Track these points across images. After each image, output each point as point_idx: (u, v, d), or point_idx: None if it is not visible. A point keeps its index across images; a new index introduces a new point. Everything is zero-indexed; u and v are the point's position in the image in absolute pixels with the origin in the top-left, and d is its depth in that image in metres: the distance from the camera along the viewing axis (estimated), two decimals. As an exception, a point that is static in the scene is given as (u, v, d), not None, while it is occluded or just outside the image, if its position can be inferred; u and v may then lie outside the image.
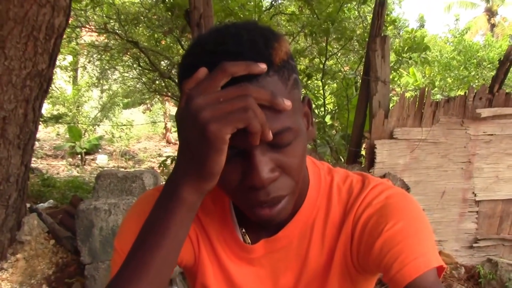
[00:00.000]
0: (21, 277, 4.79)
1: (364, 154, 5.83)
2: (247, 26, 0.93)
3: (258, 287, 1.18)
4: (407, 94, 7.15)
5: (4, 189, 4.69)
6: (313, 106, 8.37)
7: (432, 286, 0.94)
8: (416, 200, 1.11)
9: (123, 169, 11.52)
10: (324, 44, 7.75)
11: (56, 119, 13.37)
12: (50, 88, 5.79)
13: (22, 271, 4.84)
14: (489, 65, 12.70)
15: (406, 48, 7.46)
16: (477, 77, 12.03)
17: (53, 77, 5.90)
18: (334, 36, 7.96)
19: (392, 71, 7.64)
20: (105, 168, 11.87)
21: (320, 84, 8.47)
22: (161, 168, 8.45)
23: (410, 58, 7.88)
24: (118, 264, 1.04)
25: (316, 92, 8.83)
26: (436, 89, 12.10)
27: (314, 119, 1.03)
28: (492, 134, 5.40)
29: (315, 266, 1.15)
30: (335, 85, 9.32)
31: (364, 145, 5.77)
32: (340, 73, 8.32)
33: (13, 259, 4.92)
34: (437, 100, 5.43)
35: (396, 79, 9.16)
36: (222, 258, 1.18)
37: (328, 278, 1.15)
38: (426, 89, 5.42)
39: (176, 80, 11.23)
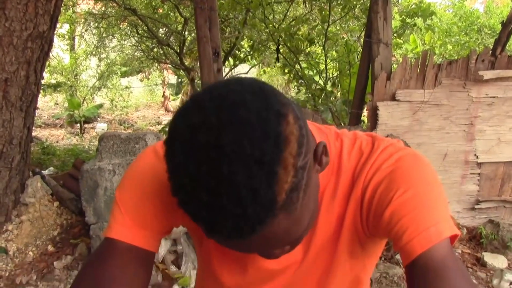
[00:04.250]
0: (26, 239, 4.82)
1: (366, 116, 5.82)
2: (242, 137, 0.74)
3: (265, 259, 1.14)
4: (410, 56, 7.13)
5: (7, 151, 4.69)
6: (315, 72, 8.42)
7: (445, 258, 0.92)
8: (428, 162, 1.06)
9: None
10: (327, 10, 7.68)
11: (54, 87, 13.31)
12: (48, 58, 5.75)
13: (27, 233, 4.86)
14: (489, 32, 12.63)
15: (411, 12, 7.38)
16: (478, 43, 11.95)
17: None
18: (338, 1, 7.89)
19: (396, 36, 7.60)
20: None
21: (321, 50, 8.44)
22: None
23: (415, 25, 7.81)
24: (117, 219, 1.08)
25: (317, 58, 8.79)
26: (436, 55, 12.03)
27: (328, 152, 0.93)
28: (494, 97, 5.40)
29: (324, 234, 1.13)
30: (334, 53, 9.29)
31: (366, 108, 5.76)
32: (342, 39, 8.28)
33: (18, 221, 4.94)
34: (440, 63, 5.40)
35: (401, 44, 9.11)
36: None
37: (337, 245, 1.13)
38: (429, 51, 5.40)
39: (174, 50, 11.26)
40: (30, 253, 4.72)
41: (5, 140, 4.63)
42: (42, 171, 5.80)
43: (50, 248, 4.80)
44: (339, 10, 8.46)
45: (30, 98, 4.79)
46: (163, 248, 4.51)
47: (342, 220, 1.11)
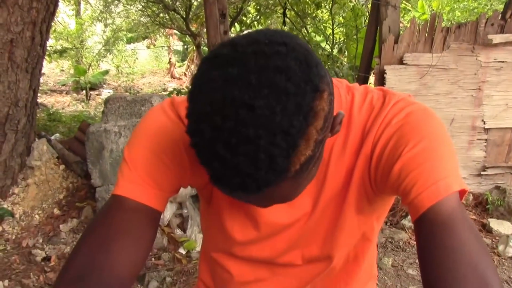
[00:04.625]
0: (32, 202, 4.85)
1: (373, 80, 5.78)
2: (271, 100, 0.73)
3: (274, 210, 1.15)
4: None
5: (13, 113, 4.68)
6: (322, 37, 8.35)
7: (453, 212, 0.92)
8: (438, 117, 1.06)
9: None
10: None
11: (60, 53, 13.28)
12: (53, 21, 5.71)
13: (33, 196, 4.89)
14: (499, -3, 12.50)
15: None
16: (487, 8, 11.80)
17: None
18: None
19: (405, 1, 7.52)
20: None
21: (328, 15, 8.37)
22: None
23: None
24: (125, 177, 1.07)
25: (325, 22, 8.72)
26: (444, 21, 11.92)
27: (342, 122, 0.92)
28: (503, 61, 5.32)
29: (333, 187, 1.14)
30: (342, 19, 9.20)
31: (373, 71, 5.72)
32: (350, 3, 8.19)
33: (24, 184, 4.96)
34: (448, 26, 5.34)
35: (409, 9, 9.02)
36: None
37: (346, 199, 1.14)
38: (437, 14, 5.33)
39: (180, 15, 11.20)
40: (36, 216, 4.74)
41: (11, 102, 4.62)
42: (49, 137, 5.81)
43: (56, 211, 4.83)
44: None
45: (36, 60, 4.77)
46: (169, 211, 4.52)
47: (351, 175, 1.12)
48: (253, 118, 0.71)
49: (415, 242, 4.45)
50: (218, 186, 0.81)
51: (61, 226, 4.61)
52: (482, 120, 5.44)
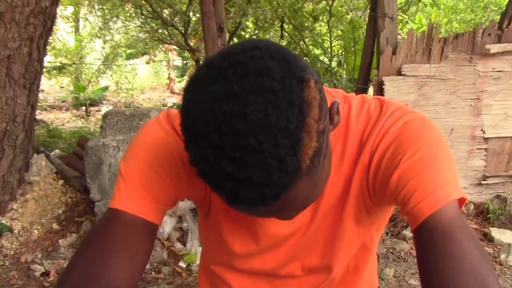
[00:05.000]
0: (31, 217, 4.83)
1: (372, 91, 5.78)
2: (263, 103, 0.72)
3: (273, 221, 1.15)
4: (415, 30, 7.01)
5: (11, 129, 4.68)
6: (320, 51, 8.37)
7: (452, 220, 0.90)
8: (436, 126, 1.05)
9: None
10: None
11: (60, 69, 13.31)
12: (52, 38, 5.72)
13: (32, 211, 4.87)
14: (496, 8, 12.53)
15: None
16: (484, 20, 11.84)
17: (54, 29, 5.81)
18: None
19: (402, 13, 7.54)
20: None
21: (326, 28, 8.39)
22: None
23: (419, 1, 7.73)
24: (121, 190, 1.06)
25: (323, 35, 8.75)
26: (442, 33, 11.98)
27: (339, 111, 0.91)
28: (501, 71, 5.32)
29: (332, 197, 1.13)
30: (340, 32, 9.23)
31: (371, 83, 5.72)
32: (347, 16, 8.23)
33: (23, 199, 4.95)
34: (446, 37, 5.34)
35: (406, 21, 9.03)
36: None
37: (344, 209, 1.13)
38: (435, 25, 5.34)
39: (178, 31, 11.26)
40: (35, 231, 4.73)
41: (8, 118, 4.62)
42: (48, 152, 5.80)
43: (55, 226, 4.81)
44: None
45: (34, 75, 4.77)
46: (169, 225, 4.51)
47: (349, 185, 1.11)
48: (248, 126, 0.71)
49: (416, 252, 4.41)
50: (237, 206, 0.80)
51: (60, 241, 4.59)
52: (482, 130, 5.43)
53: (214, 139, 0.72)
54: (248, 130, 0.70)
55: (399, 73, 5.20)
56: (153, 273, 4.24)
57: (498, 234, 4.94)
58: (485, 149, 5.51)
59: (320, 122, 0.77)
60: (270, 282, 1.31)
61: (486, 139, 5.48)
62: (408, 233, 4.96)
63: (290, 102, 0.73)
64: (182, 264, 4.37)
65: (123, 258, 1.00)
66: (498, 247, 4.80)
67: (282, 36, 8.26)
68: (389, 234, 5.02)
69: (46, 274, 4.20)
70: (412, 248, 4.76)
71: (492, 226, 5.15)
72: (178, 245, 4.56)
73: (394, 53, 5.19)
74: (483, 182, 5.55)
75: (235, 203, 0.78)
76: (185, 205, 4.45)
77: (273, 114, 0.71)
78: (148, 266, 4.18)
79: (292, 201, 0.81)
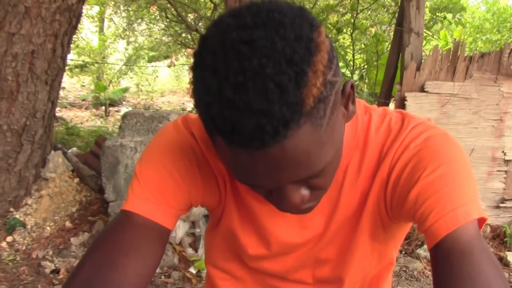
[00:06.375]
0: (44, 214, 4.84)
1: (393, 106, 5.73)
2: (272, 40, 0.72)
3: (285, 230, 1.15)
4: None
5: (30, 124, 4.69)
6: (342, 63, 8.36)
7: (471, 240, 0.88)
8: (458, 142, 1.03)
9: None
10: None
11: (81, 68, 13.40)
12: (76, 37, 5.76)
13: (46, 208, 4.88)
14: (522, 30, 12.47)
15: (442, 7, 7.28)
16: (510, 40, 11.75)
17: (79, 27, 5.84)
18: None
19: (426, 29, 7.49)
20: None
21: (350, 41, 8.37)
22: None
23: (445, 18, 7.68)
24: (135, 192, 1.06)
25: (346, 47, 8.73)
26: (467, 52, 11.93)
27: (355, 98, 0.92)
28: (525, 93, 5.27)
29: (347, 210, 1.11)
30: (363, 45, 9.20)
31: (393, 98, 5.67)
32: (371, 29, 8.20)
33: (37, 195, 4.96)
34: (471, 55, 5.29)
35: (430, 37, 9.00)
36: (250, 202, 1.14)
37: (359, 223, 1.11)
38: (461, 43, 5.29)
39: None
40: (48, 228, 4.73)
41: (28, 113, 4.63)
42: (65, 149, 5.82)
43: (68, 224, 4.80)
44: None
45: (56, 72, 4.79)
46: (181, 230, 4.49)
47: (365, 198, 1.09)
48: (254, 50, 0.71)
49: (430, 272, 4.36)
50: (233, 142, 0.76)
51: (72, 239, 4.58)
52: (503, 152, 5.36)
53: (219, 66, 0.73)
54: (253, 54, 0.71)
55: (422, 89, 5.15)
56: (163, 277, 4.22)
57: (515, 258, 4.86)
58: (505, 171, 5.43)
59: (328, 70, 0.77)
60: (281, 283, 1.29)
61: (506, 161, 5.40)
62: (422, 252, 4.90)
63: (298, 37, 0.74)
64: (192, 270, 4.34)
65: (133, 261, 0.99)
66: (514, 271, 4.73)
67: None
68: (403, 252, 4.96)
69: (56, 271, 4.19)
70: (425, 268, 4.70)
71: (508, 250, 5.08)
72: (190, 251, 4.54)
73: (418, 69, 5.14)
74: (501, 205, 5.47)
75: (233, 137, 0.75)
76: (198, 210, 4.43)
77: (280, 42, 0.72)
78: (158, 270, 4.16)
79: (291, 155, 0.77)
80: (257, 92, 0.70)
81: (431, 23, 7.58)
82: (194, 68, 0.79)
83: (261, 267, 1.26)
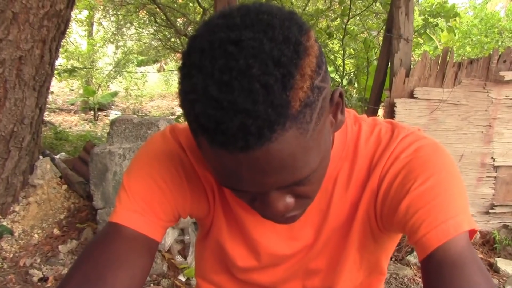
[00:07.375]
0: (32, 221, 4.80)
1: (382, 112, 5.73)
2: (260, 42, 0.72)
3: (275, 241, 1.15)
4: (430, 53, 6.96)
5: (18, 131, 4.65)
6: (332, 68, 8.36)
7: (462, 252, 0.88)
8: (448, 153, 1.03)
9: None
10: (348, 3, 7.59)
11: (70, 72, 13.36)
12: (65, 41, 5.73)
13: (34, 215, 4.84)
14: (510, 35, 12.50)
15: (435, 13, 7.29)
16: (498, 45, 11.80)
17: (68, 32, 5.82)
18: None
19: (417, 36, 7.51)
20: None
21: (339, 45, 8.38)
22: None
23: (437, 25, 7.70)
24: (123, 204, 1.05)
25: (336, 52, 8.73)
26: (455, 57, 11.97)
27: (344, 107, 0.92)
28: (514, 99, 5.28)
29: (337, 220, 1.10)
30: (352, 51, 9.21)
31: (382, 104, 5.67)
32: (362, 35, 8.21)
33: (25, 202, 4.92)
34: (460, 61, 5.30)
35: (420, 44, 9.03)
36: (239, 213, 1.14)
37: (349, 234, 1.11)
38: (449, 49, 5.30)
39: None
40: (36, 235, 4.69)
41: (16, 119, 4.59)
42: (53, 155, 5.78)
43: (56, 231, 4.77)
44: (360, 4, 8.40)
45: (44, 78, 4.75)
46: (170, 237, 4.46)
47: (355, 209, 1.08)
48: (242, 50, 0.71)
49: (420, 279, 4.35)
50: (216, 142, 0.75)
51: (60, 246, 4.55)
52: (492, 158, 5.36)
53: (206, 65, 0.73)
54: (240, 54, 0.71)
55: (411, 95, 5.15)
56: (152, 285, 4.19)
57: (504, 265, 4.86)
58: (495, 177, 5.44)
59: (316, 75, 0.77)
60: None
61: (496, 167, 5.41)
62: (412, 258, 4.90)
63: (287, 39, 0.73)
64: (181, 278, 4.32)
65: (121, 274, 0.97)
66: (504, 278, 4.72)
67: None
68: (393, 259, 4.95)
69: (44, 279, 4.15)
70: (415, 275, 4.69)
71: (498, 257, 5.08)
72: (179, 258, 4.52)
73: (407, 75, 5.15)
74: (490, 210, 5.47)
75: (216, 136, 0.74)
76: (187, 218, 4.41)
77: (268, 44, 0.72)
78: (147, 278, 4.13)
79: (276, 158, 0.76)
80: (243, 91, 0.70)
81: (423, 29, 7.57)
82: (182, 67, 0.79)
83: (251, 279, 1.25)
